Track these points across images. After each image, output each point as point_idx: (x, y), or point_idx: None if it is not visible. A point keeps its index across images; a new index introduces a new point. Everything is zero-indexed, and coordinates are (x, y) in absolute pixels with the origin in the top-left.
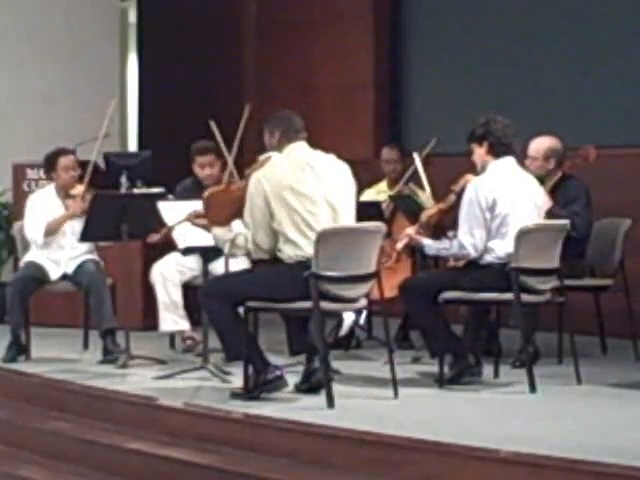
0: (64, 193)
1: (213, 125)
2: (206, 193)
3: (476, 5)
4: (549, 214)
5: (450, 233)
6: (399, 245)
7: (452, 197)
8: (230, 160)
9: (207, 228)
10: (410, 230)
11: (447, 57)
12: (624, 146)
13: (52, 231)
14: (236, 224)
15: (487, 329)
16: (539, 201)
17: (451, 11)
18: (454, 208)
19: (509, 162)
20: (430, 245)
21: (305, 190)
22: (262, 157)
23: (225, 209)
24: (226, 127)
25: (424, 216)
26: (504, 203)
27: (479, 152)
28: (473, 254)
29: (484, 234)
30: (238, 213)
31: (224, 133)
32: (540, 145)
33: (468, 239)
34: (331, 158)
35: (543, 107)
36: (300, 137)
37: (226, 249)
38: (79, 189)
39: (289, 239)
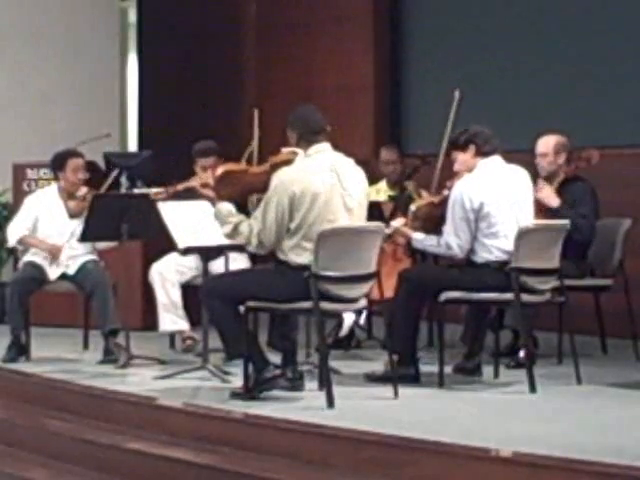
0: (67, 194)
1: (256, 114)
2: (223, 168)
3: (476, 7)
4: (556, 213)
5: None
6: (386, 231)
7: (445, 192)
8: (255, 140)
9: (212, 201)
10: (396, 223)
11: (447, 59)
12: (624, 146)
13: (26, 244)
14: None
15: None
16: (529, 194)
17: (451, 13)
18: (445, 203)
19: (497, 160)
20: (418, 239)
21: (331, 197)
22: (286, 150)
23: (236, 188)
24: (226, 127)
25: (413, 206)
26: (491, 203)
27: (463, 158)
28: (459, 254)
29: (469, 234)
30: (245, 195)
31: (224, 133)
32: (549, 141)
33: (454, 240)
34: (351, 162)
35: (544, 108)
36: (320, 139)
37: (226, 229)
38: (83, 191)
39: (299, 245)
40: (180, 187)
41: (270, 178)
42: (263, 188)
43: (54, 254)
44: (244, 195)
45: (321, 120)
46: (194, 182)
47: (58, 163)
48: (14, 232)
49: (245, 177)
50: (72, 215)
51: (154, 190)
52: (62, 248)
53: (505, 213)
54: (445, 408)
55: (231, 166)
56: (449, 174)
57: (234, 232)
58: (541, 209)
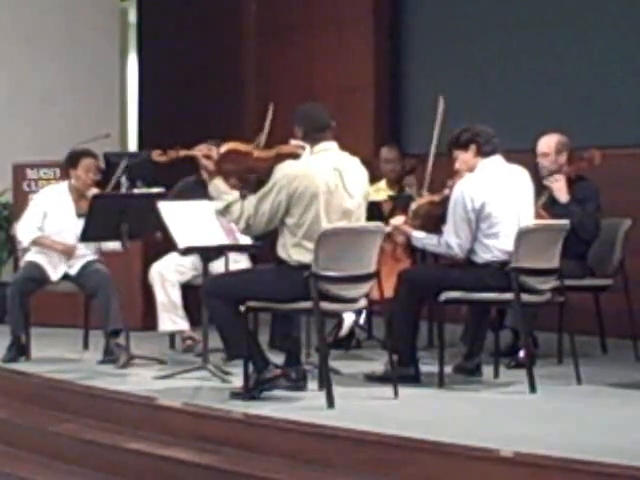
0: (77, 193)
1: (271, 108)
2: (231, 145)
3: (476, 7)
4: (565, 209)
5: (444, 227)
6: (386, 229)
7: (446, 191)
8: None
9: (210, 174)
10: (395, 221)
11: (447, 59)
12: (624, 146)
13: (40, 245)
14: None
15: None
16: (530, 194)
17: (451, 12)
18: (445, 202)
19: (497, 160)
20: (418, 237)
21: (331, 198)
22: (294, 142)
23: (238, 167)
24: (226, 128)
25: (414, 204)
26: (492, 203)
27: (464, 157)
28: (459, 254)
29: (469, 234)
30: (242, 175)
31: (224, 134)
32: (550, 140)
33: (454, 239)
34: (356, 162)
35: (545, 108)
36: (326, 136)
37: (219, 205)
38: (93, 192)
39: (300, 244)
40: (182, 153)
41: (273, 166)
42: (263, 173)
43: (69, 254)
44: (242, 175)
45: (326, 117)
46: (197, 152)
47: (72, 161)
48: (26, 232)
49: (249, 160)
50: (80, 214)
51: (155, 190)
52: (75, 247)
53: (506, 213)
54: (445, 408)
55: (238, 145)
56: (442, 175)
57: (225, 210)
58: (546, 208)
